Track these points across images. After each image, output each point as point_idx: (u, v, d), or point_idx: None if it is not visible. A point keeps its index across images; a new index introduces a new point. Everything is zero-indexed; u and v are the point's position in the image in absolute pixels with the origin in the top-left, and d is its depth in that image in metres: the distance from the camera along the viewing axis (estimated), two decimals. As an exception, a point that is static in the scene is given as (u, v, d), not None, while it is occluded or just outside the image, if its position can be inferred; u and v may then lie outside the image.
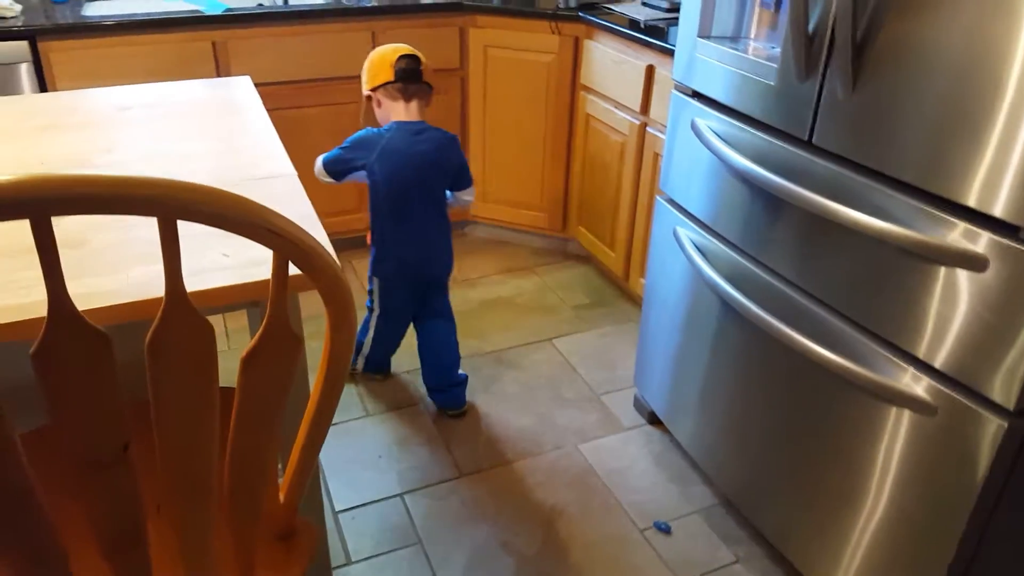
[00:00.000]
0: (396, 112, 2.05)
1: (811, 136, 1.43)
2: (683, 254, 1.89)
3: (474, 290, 2.84)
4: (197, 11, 2.57)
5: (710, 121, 1.74)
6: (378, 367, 2.34)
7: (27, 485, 0.66)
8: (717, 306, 1.79)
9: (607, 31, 2.54)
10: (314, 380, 0.79)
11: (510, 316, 2.69)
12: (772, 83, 1.50)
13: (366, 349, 2.29)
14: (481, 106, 2.90)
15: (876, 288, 1.34)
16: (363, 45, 2.67)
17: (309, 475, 0.89)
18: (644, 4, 2.73)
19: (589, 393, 2.33)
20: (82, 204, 0.53)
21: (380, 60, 2.06)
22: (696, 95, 1.81)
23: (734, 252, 1.72)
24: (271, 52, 2.59)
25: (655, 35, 2.31)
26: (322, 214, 1.19)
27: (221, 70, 2.55)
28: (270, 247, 0.64)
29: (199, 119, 1.55)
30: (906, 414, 1.33)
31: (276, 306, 0.68)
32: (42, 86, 2.39)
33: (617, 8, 2.68)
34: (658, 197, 2.00)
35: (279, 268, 0.66)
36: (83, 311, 0.58)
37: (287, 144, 1.45)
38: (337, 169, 2.05)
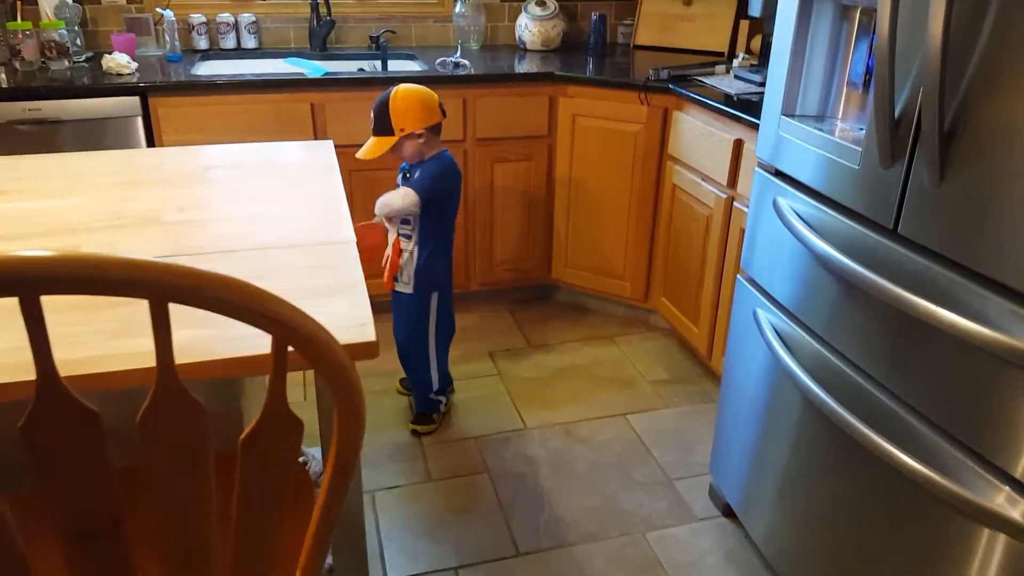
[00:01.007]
0: (438, 143, 2.17)
1: (896, 225, 1.32)
2: (763, 339, 1.78)
3: (550, 356, 2.78)
4: (300, 74, 2.68)
5: (793, 202, 1.65)
6: (448, 383, 2.42)
7: (17, 556, 0.65)
8: (797, 398, 1.67)
9: (697, 103, 2.49)
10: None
11: (584, 387, 2.61)
12: (856, 167, 1.41)
13: (437, 383, 2.34)
14: (567, 173, 2.89)
15: (969, 396, 1.21)
16: (454, 111, 2.71)
17: (322, 562, 0.85)
18: (737, 78, 2.67)
19: (661, 476, 2.21)
20: (67, 284, 0.52)
21: (429, 101, 2.12)
22: (779, 174, 1.73)
23: (816, 342, 1.60)
24: (365, 115, 2.66)
25: (745, 109, 2.24)
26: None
27: (318, 130, 2.64)
28: (268, 332, 0.61)
29: (273, 181, 1.59)
30: (1000, 538, 1.18)
31: (275, 389, 0.65)
32: (150, 140, 2.53)
33: (708, 81, 2.63)
34: (739, 276, 1.91)
35: (278, 352, 0.63)
36: (81, 375, 0.57)
37: (362, 204, 1.46)
38: (436, 197, 2.14)
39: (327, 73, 2.70)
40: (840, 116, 1.62)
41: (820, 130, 1.56)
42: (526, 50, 3.22)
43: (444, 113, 2.15)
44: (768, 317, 1.78)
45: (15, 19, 2.66)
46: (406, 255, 2.20)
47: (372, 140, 2.09)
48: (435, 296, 2.26)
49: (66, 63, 2.63)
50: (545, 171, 2.91)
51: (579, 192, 2.90)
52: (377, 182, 2.70)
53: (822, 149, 1.53)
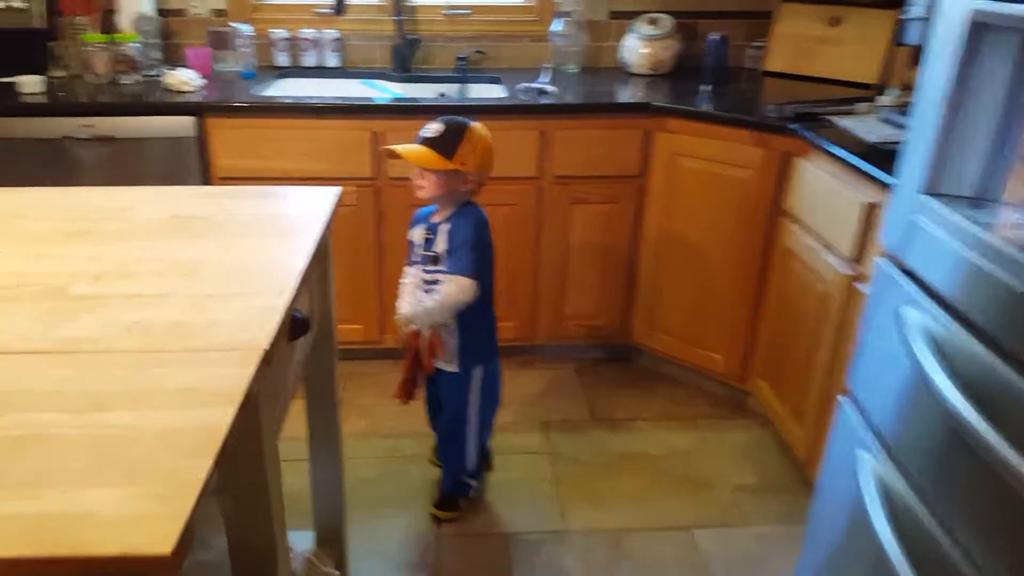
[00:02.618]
0: (469, 195, 1.84)
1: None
2: (857, 481, 1.33)
3: (614, 436, 2.37)
4: (367, 98, 2.44)
5: (922, 315, 1.19)
6: (485, 459, 2.16)
7: None
8: (882, 565, 1.21)
9: (824, 151, 2.01)
10: None
11: (648, 483, 2.18)
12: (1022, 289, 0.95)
13: (472, 463, 2.03)
14: (659, 220, 2.47)
15: None
16: (529, 145, 2.38)
17: None
18: (883, 121, 2.14)
19: (721, 618, 1.77)
20: None
21: (492, 152, 1.81)
22: (908, 273, 1.27)
23: (919, 503, 1.15)
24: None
25: (886, 164, 1.73)
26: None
27: (376, 162, 2.39)
28: None
29: (237, 241, 1.32)
30: None
31: None
32: (204, 162, 2.38)
33: (844, 123, 2.12)
34: (841, 397, 1.47)
35: None
36: None
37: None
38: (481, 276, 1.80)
39: (396, 98, 2.45)
40: (1008, 202, 1.15)
41: (975, 221, 1.11)
42: (630, 74, 2.82)
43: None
44: (865, 457, 1.32)
45: (102, 31, 2.59)
46: (446, 333, 1.87)
47: (424, 149, 1.74)
48: (480, 369, 1.94)
49: (136, 78, 2.53)
50: (632, 216, 2.51)
51: (672, 243, 2.47)
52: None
53: (974, 250, 1.08)
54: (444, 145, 1.73)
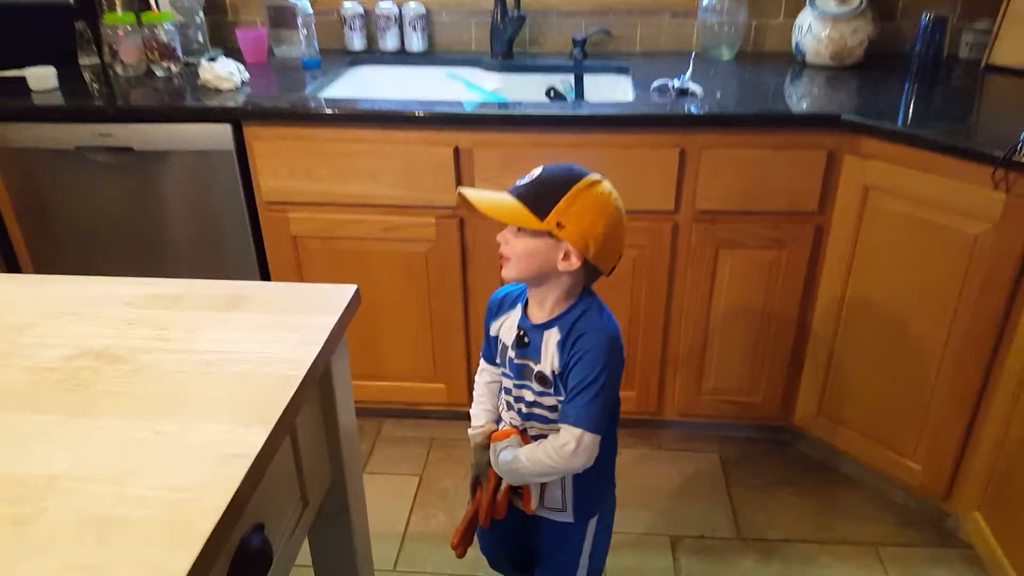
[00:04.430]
0: (580, 290, 1.21)
1: None
2: None
3: (768, 567, 1.76)
4: (452, 101, 1.87)
5: None
6: None
7: None
8: None
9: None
10: None
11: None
12: None
13: None
14: (840, 277, 1.80)
15: None
16: (665, 168, 1.75)
17: None
18: None
19: None
20: None
21: (616, 238, 1.17)
22: None
23: None
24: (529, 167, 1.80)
25: None
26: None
27: (464, 180, 1.82)
28: None
29: (199, 368, 0.80)
30: None
31: None
32: (245, 183, 1.88)
33: None
34: None
35: None
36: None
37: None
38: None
39: (489, 99, 1.86)
40: None
41: None
42: (804, 64, 2.11)
43: (613, 270, 1.21)
44: None
45: (137, 8, 2.10)
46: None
47: (512, 201, 1.16)
48: (595, 521, 1.35)
49: (171, 68, 2.04)
50: (804, 269, 1.84)
51: (860, 311, 1.80)
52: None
53: None
54: (536, 197, 1.14)
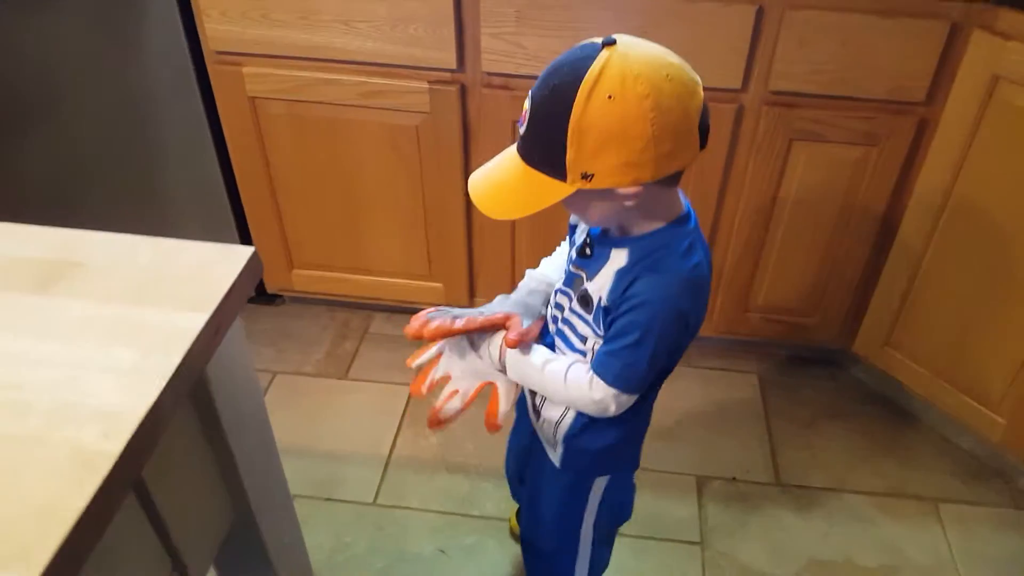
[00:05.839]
0: (670, 199, 0.86)
1: None
2: None
3: (807, 520, 1.51)
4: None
5: None
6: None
7: None
8: None
9: None
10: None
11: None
12: None
13: None
14: (943, 181, 1.41)
15: None
16: (732, 33, 1.32)
17: None
18: None
19: None
20: None
21: (681, 116, 0.75)
22: None
23: None
24: (554, 17, 1.36)
25: None
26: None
27: (466, 40, 1.40)
28: None
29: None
30: None
31: None
32: (188, 28, 1.47)
33: None
34: None
35: None
36: None
37: None
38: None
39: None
40: None
41: None
42: None
43: (706, 138, 0.80)
44: None
45: None
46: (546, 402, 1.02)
47: (510, 164, 0.81)
48: (603, 481, 1.08)
49: None
50: (897, 172, 1.45)
51: (960, 229, 1.43)
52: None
53: None
54: (543, 149, 0.78)
